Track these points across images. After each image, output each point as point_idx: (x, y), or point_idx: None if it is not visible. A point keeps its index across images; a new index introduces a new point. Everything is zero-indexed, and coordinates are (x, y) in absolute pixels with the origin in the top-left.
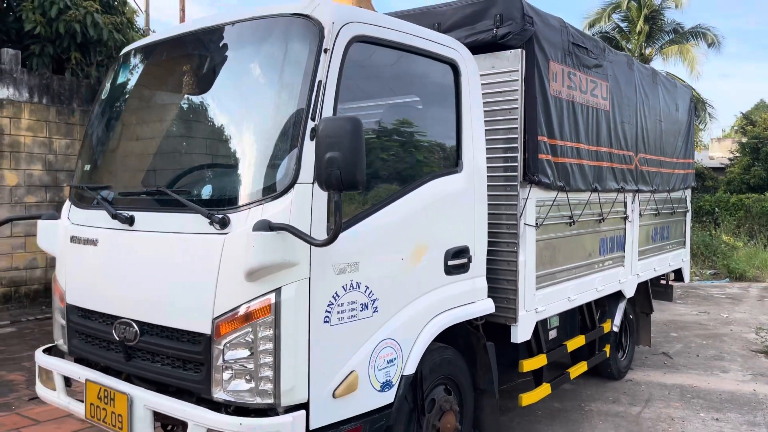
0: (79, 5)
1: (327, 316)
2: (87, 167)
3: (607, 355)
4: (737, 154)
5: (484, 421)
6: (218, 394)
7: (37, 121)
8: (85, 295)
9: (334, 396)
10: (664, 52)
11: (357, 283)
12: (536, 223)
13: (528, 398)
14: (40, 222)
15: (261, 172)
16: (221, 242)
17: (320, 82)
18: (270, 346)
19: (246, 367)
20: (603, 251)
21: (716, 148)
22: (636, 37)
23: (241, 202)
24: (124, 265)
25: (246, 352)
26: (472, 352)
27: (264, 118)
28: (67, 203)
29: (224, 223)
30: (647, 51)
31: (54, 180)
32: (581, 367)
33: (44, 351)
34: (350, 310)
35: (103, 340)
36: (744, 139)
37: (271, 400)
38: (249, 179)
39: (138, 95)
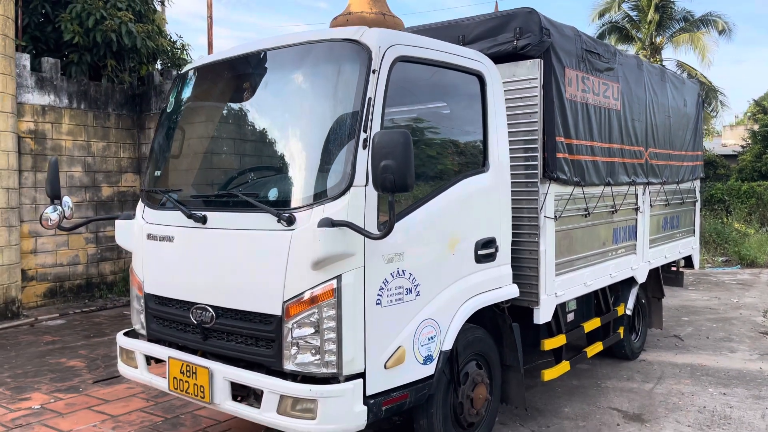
0: (114, 15)
1: (378, 299)
2: (157, 173)
3: (621, 336)
4: (749, 142)
5: (511, 394)
6: (288, 366)
7: (76, 125)
8: (163, 284)
9: (385, 367)
10: (675, 41)
11: (402, 270)
12: (555, 216)
13: (549, 374)
14: (117, 222)
15: (320, 176)
16: (289, 237)
17: (370, 99)
18: (333, 324)
19: (311, 342)
20: (616, 240)
21: (729, 135)
22: (646, 26)
23: (304, 203)
24: (199, 258)
25: (311, 330)
26: (499, 332)
27: (321, 130)
28: (141, 204)
29: (291, 221)
30: (658, 40)
31: (93, 181)
32: (597, 347)
33: (124, 334)
34: (397, 294)
35: (180, 323)
36: (756, 127)
37: (334, 370)
38: (310, 183)
39: (202, 109)
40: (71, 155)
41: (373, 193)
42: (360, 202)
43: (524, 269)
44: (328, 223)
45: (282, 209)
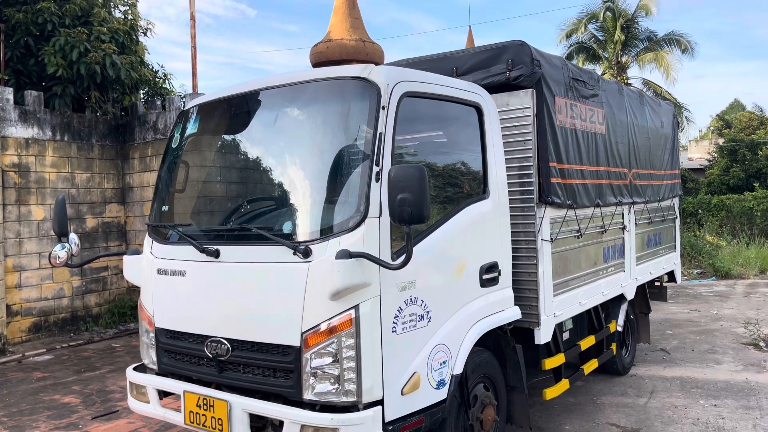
0: (98, 47)
1: (394, 327)
2: (164, 208)
3: (614, 353)
4: (716, 155)
5: (515, 414)
6: (308, 396)
7: (60, 157)
8: (175, 318)
9: (402, 393)
10: (640, 60)
11: (415, 297)
12: (551, 238)
13: (551, 393)
14: (125, 257)
15: (334, 209)
16: (306, 269)
17: (380, 134)
18: (352, 353)
19: (330, 372)
20: (606, 259)
21: (694, 149)
22: (612, 46)
23: (319, 236)
24: (213, 291)
25: (330, 359)
26: (502, 354)
27: (333, 165)
28: (149, 240)
29: (307, 253)
30: (624, 59)
31: (77, 212)
32: (593, 364)
33: (134, 369)
34: (411, 321)
35: (194, 357)
36: (721, 141)
37: (354, 398)
38: (324, 216)
39: (210, 144)
40: (55, 187)
41: (386, 225)
42: (374, 233)
43: (524, 291)
44: (346, 254)
45: (297, 242)
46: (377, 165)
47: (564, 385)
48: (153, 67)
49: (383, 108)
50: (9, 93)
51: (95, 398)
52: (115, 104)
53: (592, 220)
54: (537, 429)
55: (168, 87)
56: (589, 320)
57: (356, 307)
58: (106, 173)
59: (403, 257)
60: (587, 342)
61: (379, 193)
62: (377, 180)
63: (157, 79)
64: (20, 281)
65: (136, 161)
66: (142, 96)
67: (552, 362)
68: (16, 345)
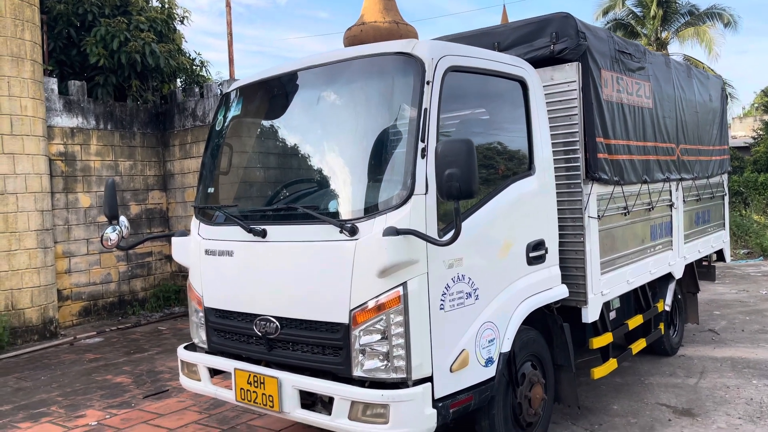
0: (137, 37)
1: (442, 304)
2: (210, 189)
3: (662, 333)
4: (761, 132)
5: (563, 393)
6: (357, 372)
7: (104, 146)
8: (224, 298)
9: (451, 370)
10: (681, 35)
11: (462, 275)
12: (598, 215)
13: (599, 372)
14: (174, 239)
15: (380, 187)
16: (353, 247)
17: (426, 109)
18: (401, 330)
19: (379, 349)
20: (654, 237)
21: (738, 127)
22: (651, 22)
23: (365, 213)
24: (261, 271)
25: (378, 336)
26: (549, 332)
27: (378, 142)
28: (195, 221)
29: (354, 231)
30: (663, 35)
31: (121, 199)
32: (641, 344)
33: (185, 348)
34: (458, 298)
35: (243, 335)
36: (766, 117)
37: (403, 375)
38: (370, 193)
39: (252, 125)
40: (100, 175)
41: (432, 201)
42: (421, 210)
43: (571, 269)
44: (393, 231)
45: (344, 220)
46: (423, 141)
47: (612, 364)
48: (190, 55)
49: (428, 83)
50: (54, 83)
51: (145, 378)
52: (155, 92)
53: (639, 197)
54: (585, 409)
55: (205, 74)
56: (636, 299)
57: (404, 284)
58: (148, 161)
59: (451, 233)
60: (635, 321)
61: (425, 169)
62: (423, 156)
63: (194, 67)
64: (69, 267)
65: (176, 148)
66: (180, 84)
67: (599, 341)
68: (68, 328)
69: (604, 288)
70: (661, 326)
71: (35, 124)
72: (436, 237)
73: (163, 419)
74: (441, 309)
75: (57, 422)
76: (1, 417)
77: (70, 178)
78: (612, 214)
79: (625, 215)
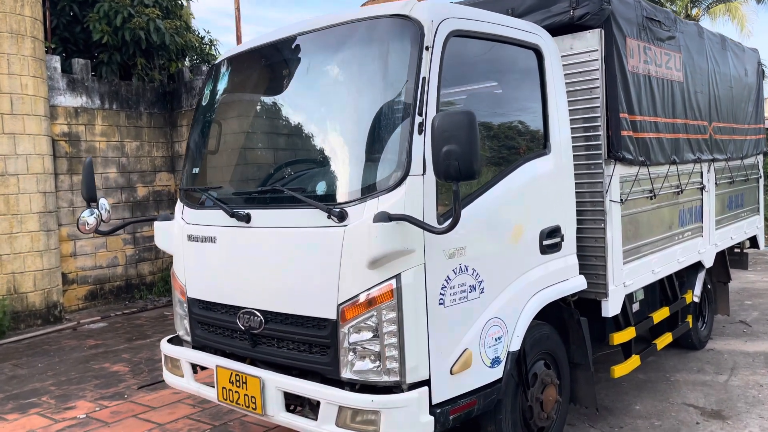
0: (142, 12)
1: (441, 299)
2: (195, 170)
3: (690, 326)
4: None
5: (580, 394)
6: (346, 374)
7: (109, 126)
8: (207, 288)
9: (451, 373)
10: (711, 12)
11: (465, 266)
12: (621, 199)
13: (620, 370)
14: (156, 223)
15: (372, 167)
16: (341, 234)
17: (424, 78)
18: (394, 328)
19: (370, 348)
20: (682, 223)
21: None
22: None
23: (355, 197)
24: (244, 259)
25: (370, 334)
26: (565, 328)
27: (371, 116)
28: (179, 204)
29: (342, 217)
30: (693, 12)
31: (128, 181)
32: (667, 338)
33: (168, 341)
34: (461, 292)
35: (226, 329)
36: None
37: (396, 378)
38: (361, 174)
39: (240, 100)
40: (105, 156)
41: (431, 183)
42: (417, 193)
43: (590, 258)
44: (385, 217)
45: (331, 204)
46: (420, 115)
47: (634, 361)
48: (199, 33)
49: (427, 48)
50: (56, 61)
51: (143, 367)
52: (162, 71)
53: (667, 179)
54: (604, 409)
55: (214, 53)
56: (662, 290)
57: (397, 277)
58: (155, 141)
59: (450, 220)
60: (660, 314)
61: (423, 146)
62: (420, 132)
63: (203, 46)
64: (75, 250)
65: (184, 129)
66: (188, 63)
67: (621, 337)
68: (73, 312)
69: (626, 279)
70: (689, 319)
71: (36, 103)
72: (435, 224)
73: (154, 413)
74: (440, 304)
75: (45, 414)
76: None
77: (75, 159)
78: (636, 198)
79: (651, 199)
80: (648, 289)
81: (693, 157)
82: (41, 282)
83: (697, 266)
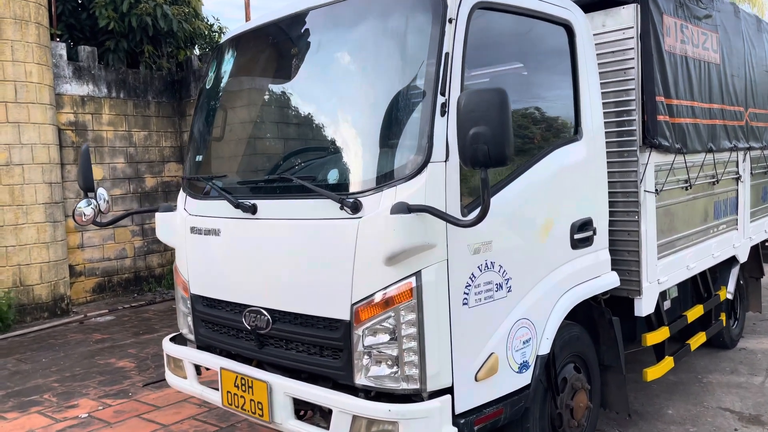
0: None
1: (465, 298)
2: (199, 158)
3: (724, 324)
4: None
5: (611, 398)
6: (360, 380)
7: (116, 115)
8: (211, 284)
9: (476, 379)
10: None
11: (491, 262)
12: (656, 189)
13: (653, 373)
14: (158, 215)
15: (389, 153)
16: (355, 227)
17: (447, 54)
18: (413, 330)
19: (387, 352)
20: (717, 215)
21: None
22: None
23: (371, 186)
24: (250, 253)
25: (387, 337)
26: (593, 327)
27: (388, 97)
28: (182, 194)
29: (356, 208)
30: None
31: (136, 172)
32: (700, 338)
33: (171, 340)
34: (486, 291)
35: (232, 329)
36: None
37: (416, 386)
38: (377, 161)
39: (247, 84)
40: (113, 146)
41: (454, 170)
42: (439, 182)
43: (622, 253)
44: (404, 208)
45: (344, 194)
46: (443, 95)
47: (668, 363)
48: (208, 20)
49: (450, 21)
50: (62, 48)
51: (149, 363)
52: (170, 59)
53: (703, 168)
54: (633, 413)
55: None
56: (694, 287)
57: (418, 274)
58: (164, 131)
59: (477, 211)
60: (695, 313)
61: (446, 130)
62: (443, 114)
63: (212, 33)
64: (82, 241)
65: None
66: (197, 50)
67: (654, 337)
68: (81, 305)
69: (660, 275)
70: (722, 317)
71: (41, 91)
72: (459, 216)
73: (159, 413)
74: (464, 304)
75: (46, 413)
76: None
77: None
78: (671, 188)
79: (687, 189)
80: (680, 286)
81: (729, 145)
82: (48, 274)
83: (730, 261)
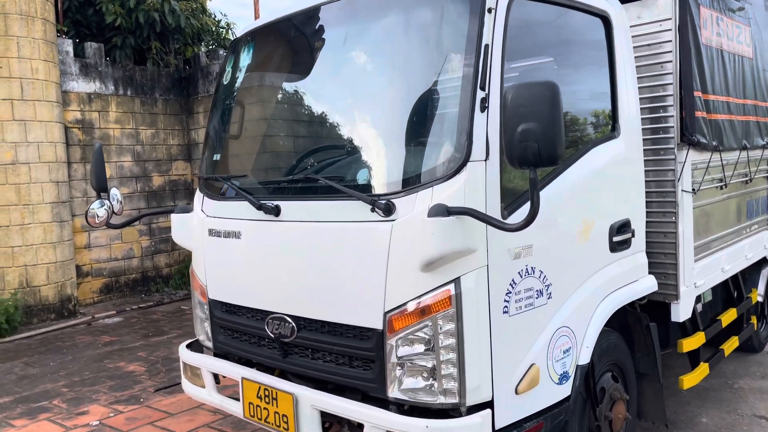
0: None
1: (506, 306)
2: (216, 157)
3: (755, 328)
4: None
5: (646, 408)
6: (393, 393)
7: (123, 113)
8: (230, 289)
9: (516, 392)
10: None
11: (532, 267)
12: (693, 189)
13: (689, 380)
14: (173, 216)
15: (425, 151)
16: (388, 230)
17: (486, 46)
18: (452, 341)
19: (422, 364)
20: (750, 215)
21: None
22: None
23: (405, 186)
24: (273, 257)
25: (422, 348)
26: (628, 334)
27: (421, 92)
28: (199, 195)
29: (389, 210)
30: None
31: (143, 170)
32: (733, 343)
33: (187, 346)
34: (527, 298)
35: (253, 336)
36: None
37: (455, 400)
38: (411, 160)
39: (267, 78)
40: (120, 144)
41: (494, 170)
42: (479, 182)
43: (657, 256)
44: (443, 211)
45: (376, 195)
46: (483, 89)
47: (704, 370)
48: (215, 16)
49: (489, 11)
50: (69, 45)
51: (160, 366)
52: (177, 56)
53: (736, 166)
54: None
55: (231, 38)
56: (725, 290)
57: (456, 281)
58: (171, 129)
59: (517, 213)
60: (728, 317)
61: (486, 127)
62: (483, 109)
63: (219, 29)
64: (89, 241)
65: (200, 116)
66: (204, 47)
67: (691, 343)
68: (88, 306)
69: (697, 278)
70: (753, 320)
71: (48, 88)
72: (498, 217)
73: (172, 420)
74: (505, 312)
75: (56, 420)
76: None
77: (88, 147)
78: (707, 188)
79: (721, 189)
80: (713, 289)
81: (762, 143)
82: (54, 275)
83: (760, 263)
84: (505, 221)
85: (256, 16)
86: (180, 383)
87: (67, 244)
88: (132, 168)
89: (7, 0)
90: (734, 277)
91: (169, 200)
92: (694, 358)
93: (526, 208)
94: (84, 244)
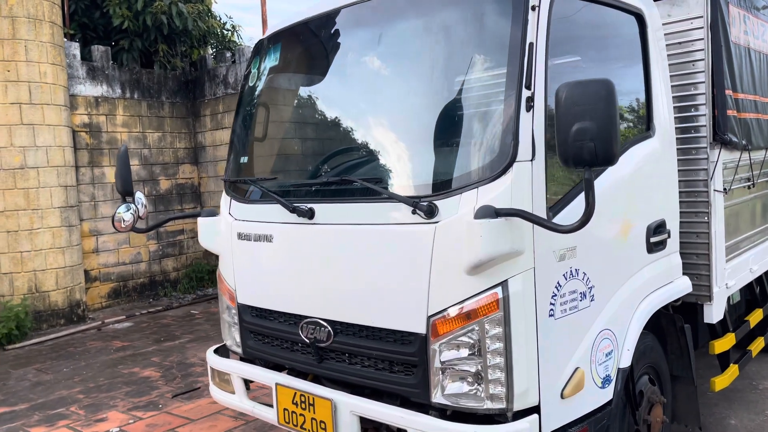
0: None
1: (552, 309)
2: (244, 159)
3: None
4: None
5: (680, 411)
6: (436, 398)
7: (130, 116)
8: (261, 294)
9: (562, 396)
10: None
11: (576, 269)
12: (724, 188)
13: (721, 382)
14: (200, 219)
15: (468, 152)
16: (430, 233)
17: (531, 44)
18: (500, 345)
19: (466, 369)
20: None
21: None
22: None
23: (447, 188)
24: (308, 261)
25: (467, 352)
26: (663, 336)
27: (464, 91)
28: (226, 198)
29: (431, 212)
30: None
31: (150, 174)
32: (760, 344)
33: (215, 351)
34: (571, 301)
35: (286, 341)
36: None
37: (502, 405)
38: (454, 161)
39: (296, 78)
40: (127, 148)
41: (540, 171)
42: (526, 183)
43: (690, 257)
44: (491, 212)
45: (416, 197)
46: (528, 88)
47: (734, 372)
48: (221, 19)
49: (533, 8)
50: (76, 48)
51: (175, 372)
52: (184, 58)
53: (763, 165)
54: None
55: (237, 40)
56: (749, 290)
57: (504, 284)
58: (178, 132)
59: (570, 215)
60: (756, 317)
61: (532, 126)
62: (528, 109)
63: (225, 32)
64: (97, 246)
65: (207, 119)
66: (210, 50)
67: (722, 345)
68: (96, 311)
69: (729, 279)
70: None
71: (56, 92)
72: (545, 219)
73: (193, 426)
74: (551, 316)
75: (75, 427)
76: (15, 418)
77: (96, 150)
78: (736, 187)
79: (750, 188)
80: (741, 290)
81: None
82: (63, 280)
83: None
84: (562, 225)
85: (263, 19)
86: (198, 388)
87: (76, 249)
88: (139, 171)
89: (15, 3)
90: (759, 278)
91: (176, 204)
92: (723, 360)
93: (570, 209)
94: (92, 249)
